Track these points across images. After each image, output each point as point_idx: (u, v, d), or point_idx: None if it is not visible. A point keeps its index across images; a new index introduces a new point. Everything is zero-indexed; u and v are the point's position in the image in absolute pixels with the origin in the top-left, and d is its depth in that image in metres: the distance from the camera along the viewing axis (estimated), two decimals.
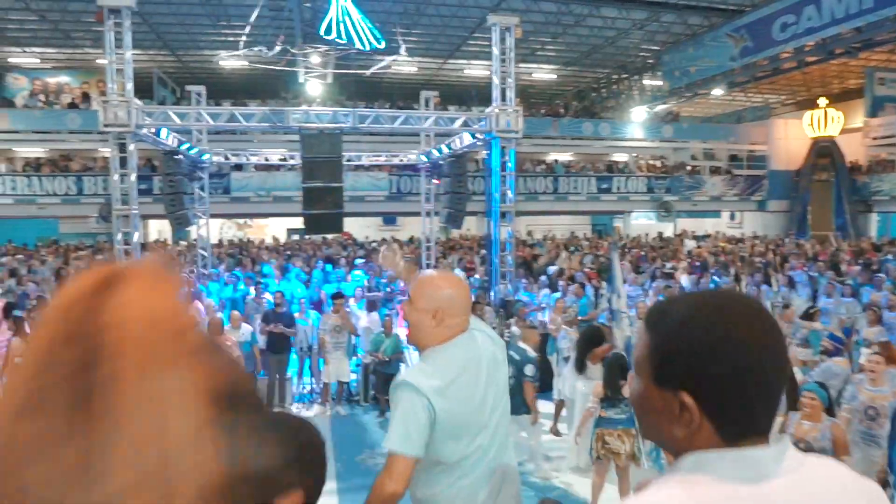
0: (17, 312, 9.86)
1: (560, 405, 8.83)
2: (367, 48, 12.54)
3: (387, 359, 9.42)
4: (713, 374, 1.03)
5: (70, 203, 23.15)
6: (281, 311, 9.80)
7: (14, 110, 24.43)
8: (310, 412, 9.63)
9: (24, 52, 25.18)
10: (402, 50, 15.69)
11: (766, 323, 1.06)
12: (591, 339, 7.15)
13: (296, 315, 10.09)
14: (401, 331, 11.80)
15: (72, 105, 24.71)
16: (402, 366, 10.05)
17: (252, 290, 11.83)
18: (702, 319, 1.06)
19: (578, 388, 7.07)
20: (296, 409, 9.78)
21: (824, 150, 27.55)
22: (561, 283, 12.57)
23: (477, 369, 2.30)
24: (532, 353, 7.31)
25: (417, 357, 8.41)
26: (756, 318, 1.06)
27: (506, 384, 2.44)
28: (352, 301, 11.51)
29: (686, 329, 1.06)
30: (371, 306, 10.80)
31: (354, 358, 10.26)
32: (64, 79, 26.61)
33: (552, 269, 15.26)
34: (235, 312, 9.51)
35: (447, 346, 2.29)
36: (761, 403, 1.05)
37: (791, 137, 29.19)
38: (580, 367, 7.11)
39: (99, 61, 10.89)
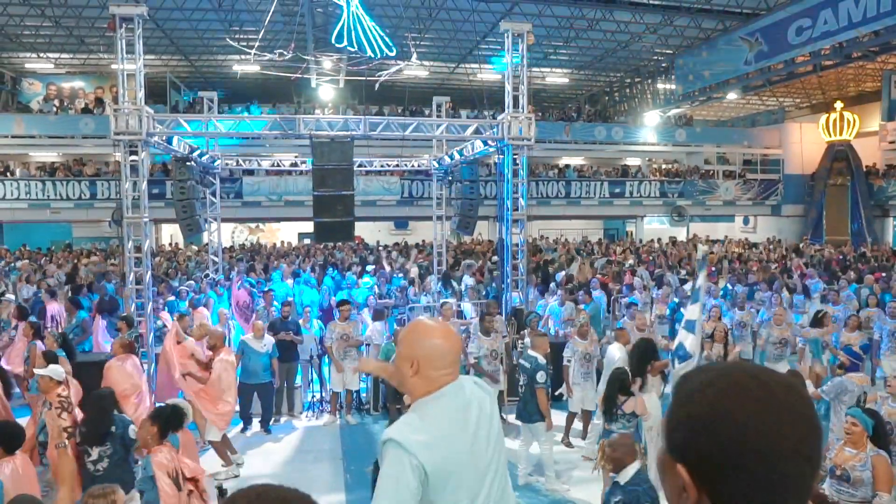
0: (32, 318, 9.93)
1: (571, 418, 8.75)
2: (378, 55, 12.48)
3: None
4: (706, 449, 0.97)
5: (83, 207, 23.29)
6: (288, 320, 9.76)
7: (29, 115, 24.64)
8: (319, 421, 9.58)
9: (39, 57, 25.40)
10: (414, 57, 15.65)
11: (786, 406, 0.97)
12: (646, 353, 7.05)
13: (300, 322, 10.05)
14: None
15: (85, 110, 24.89)
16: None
17: (262, 298, 11.82)
18: (711, 392, 1.00)
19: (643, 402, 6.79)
20: (305, 417, 9.75)
21: (840, 154, 27.25)
22: (560, 292, 12.43)
23: (465, 421, 2.16)
24: (543, 361, 7.23)
25: None
26: (772, 400, 0.97)
27: (499, 434, 2.25)
28: (365, 311, 11.45)
29: (693, 399, 1.02)
30: (378, 315, 10.74)
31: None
32: (78, 84, 26.82)
33: (560, 275, 15.13)
34: (259, 322, 9.44)
35: (435, 396, 2.15)
36: (765, 491, 0.95)
37: (806, 141, 28.92)
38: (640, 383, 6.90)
39: (113, 66, 10.93)
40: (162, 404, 6.42)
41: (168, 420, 4.82)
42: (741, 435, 0.95)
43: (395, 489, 1.99)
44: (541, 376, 7.12)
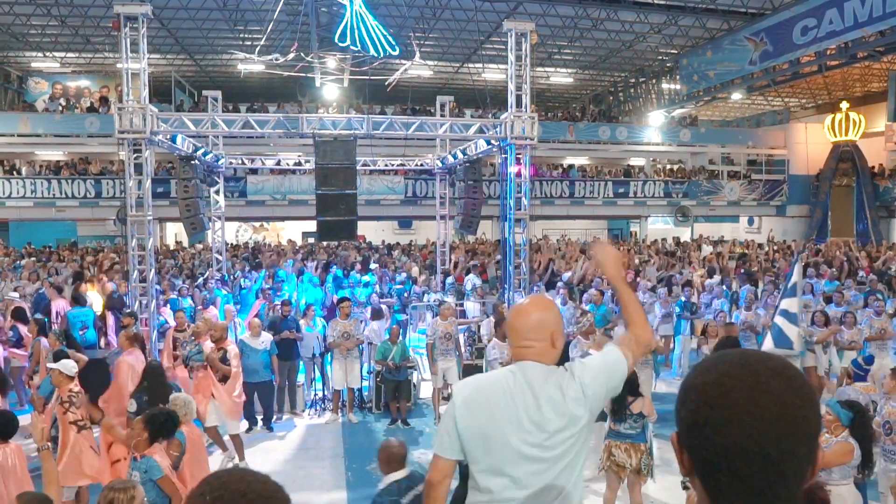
0: (37, 315, 9.98)
1: None
2: (382, 55, 12.49)
3: (396, 366, 9.36)
4: (696, 450, 1.05)
5: (88, 206, 23.39)
6: (287, 318, 9.78)
7: (34, 114, 24.75)
8: (321, 419, 9.60)
9: (45, 56, 25.51)
10: (417, 56, 15.65)
11: (774, 397, 1.00)
12: (732, 348, 7.04)
13: (302, 322, 10.06)
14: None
15: (91, 109, 24.99)
16: (414, 373, 10.00)
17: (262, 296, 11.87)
18: (703, 382, 1.06)
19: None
20: (307, 415, 9.77)
21: (845, 155, 27.17)
22: (563, 291, 12.41)
23: (512, 399, 2.35)
24: None
25: (427, 364, 8.29)
26: (762, 392, 1.00)
27: (560, 433, 2.32)
28: (368, 310, 11.45)
29: (686, 387, 1.09)
30: (376, 314, 10.75)
31: (366, 364, 10.22)
32: (83, 83, 26.93)
33: (566, 275, 15.10)
34: (255, 320, 9.48)
35: (511, 367, 2.46)
36: (752, 481, 1.00)
37: (811, 141, 28.85)
38: None
39: (118, 65, 11.00)
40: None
41: (161, 427, 4.77)
42: (723, 427, 1.00)
43: (441, 423, 2.47)
44: None
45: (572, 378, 2.39)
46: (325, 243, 21.03)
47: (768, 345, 7.19)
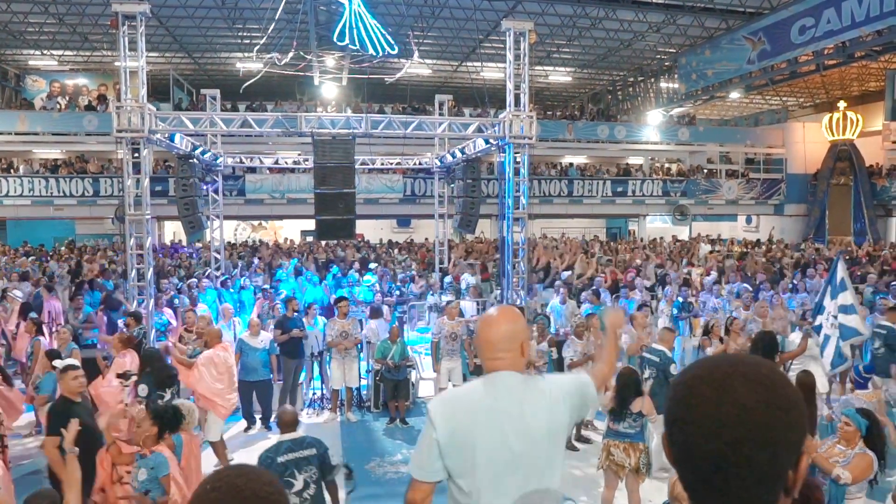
0: (32, 314, 9.99)
1: None
2: (380, 53, 12.49)
3: (395, 365, 9.37)
4: (668, 434, 1.09)
5: (86, 204, 23.36)
6: (293, 317, 9.78)
7: (32, 112, 24.71)
8: (320, 418, 9.61)
9: (43, 54, 25.46)
10: (416, 55, 15.65)
11: (735, 401, 1.02)
12: (772, 346, 7.10)
13: (304, 320, 10.07)
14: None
15: (89, 107, 24.95)
16: (413, 372, 10.01)
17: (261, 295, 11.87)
18: (678, 381, 1.12)
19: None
20: (306, 414, 9.77)
21: (843, 154, 27.21)
22: (563, 291, 12.42)
23: (493, 408, 2.36)
24: (670, 354, 7.59)
25: (425, 362, 8.33)
26: (725, 395, 1.03)
27: (540, 439, 2.36)
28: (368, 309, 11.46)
29: (671, 385, 1.15)
30: (375, 313, 10.75)
31: (364, 363, 10.23)
32: (81, 81, 26.87)
33: (566, 274, 15.11)
34: (255, 319, 9.50)
35: (483, 378, 2.48)
36: (705, 479, 1.04)
37: (809, 140, 28.87)
38: None
39: (117, 63, 10.99)
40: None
41: (168, 422, 4.81)
42: (691, 431, 1.04)
43: (418, 447, 2.42)
44: (674, 368, 7.34)
45: (549, 385, 2.46)
46: (324, 242, 21.05)
47: (833, 343, 7.75)
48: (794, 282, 14.13)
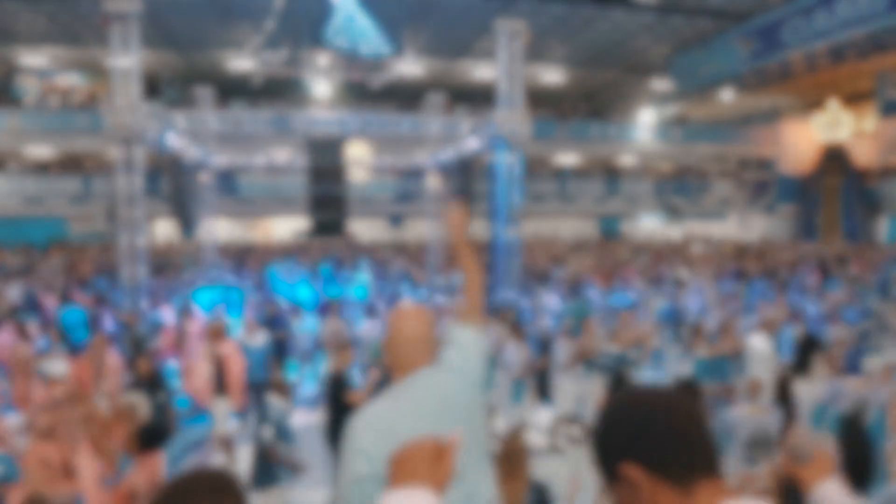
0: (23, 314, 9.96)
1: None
2: (373, 53, 12.50)
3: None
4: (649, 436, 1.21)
5: (78, 203, 23.24)
6: (276, 317, 9.79)
7: (24, 110, 24.57)
8: (312, 417, 9.59)
9: (34, 52, 25.31)
10: (408, 55, 15.68)
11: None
12: (811, 346, 7.13)
13: (294, 320, 10.06)
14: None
15: (81, 106, 24.84)
16: None
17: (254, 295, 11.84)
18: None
19: (800, 391, 6.69)
20: (299, 413, 9.75)
21: (834, 154, 27.36)
22: (563, 289, 12.44)
23: (421, 407, 2.15)
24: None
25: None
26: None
27: (470, 423, 2.17)
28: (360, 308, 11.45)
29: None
30: (368, 313, 10.76)
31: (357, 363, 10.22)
32: (73, 79, 26.74)
33: (557, 272, 15.15)
34: (251, 319, 9.49)
35: (404, 382, 2.21)
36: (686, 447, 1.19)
37: (800, 141, 29.02)
38: (803, 368, 7.09)
39: (110, 61, 11.00)
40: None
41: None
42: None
43: (343, 473, 2.00)
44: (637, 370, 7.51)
45: (455, 370, 2.29)
46: (317, 241, 21.02)
47: None
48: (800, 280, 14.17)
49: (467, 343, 2.36)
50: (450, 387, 2.24)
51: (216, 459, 7.85)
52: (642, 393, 1.30)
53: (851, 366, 7.70)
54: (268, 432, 5.14)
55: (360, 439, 2.01)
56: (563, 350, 8.73)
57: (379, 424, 2.05)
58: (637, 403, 1.24)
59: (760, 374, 6.66)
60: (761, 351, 7.58)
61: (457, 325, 2.42)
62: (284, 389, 5.36)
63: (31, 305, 11.28)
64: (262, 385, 9.00)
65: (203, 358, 7.86)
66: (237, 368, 7.97)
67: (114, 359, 7.50)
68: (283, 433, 5.12)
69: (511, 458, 3.43)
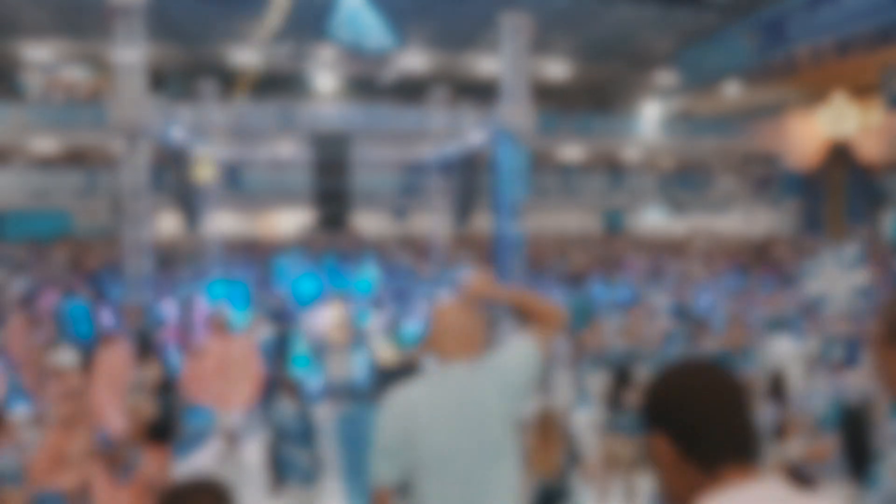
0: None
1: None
2: (378, 47, 12.49)
3: (396, 358, 9.39)
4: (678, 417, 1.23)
5: (83, 197, 23.28)
6: (282, 310, 9.82)
7: (28, 104, 24.59)
8: (318, 411, 9.62)
9: (39, 46, 25.31)
10: (412, 49, 15.66)
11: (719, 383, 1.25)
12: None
13: (300, 313, 10.09)
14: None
15: (85, 99, 24.85)
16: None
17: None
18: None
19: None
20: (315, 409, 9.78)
21: (839, 148, 27.24)
22: (568, 283, 12.43)
23: (446, 400, 2.30)
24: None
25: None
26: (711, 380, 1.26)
27: (490, 430, 2.28)
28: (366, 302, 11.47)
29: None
30: (376, 306, 10.78)
31: (364, 356, 10.24)
32: (78, 73, 26.74)
33: (560, 267, 15.14)
34: (255, 313, 9.53)
35: (439, 371, 2.43)
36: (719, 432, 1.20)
37: (805, 135, 28.88)
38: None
39: (113, 55, 11.00)
40: None
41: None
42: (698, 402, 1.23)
43: (375, 441, 2.29)
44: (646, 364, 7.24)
45: (493, 371, 2.36)
46: (322, 235, 21.03)
47: None
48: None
49: (519, 350, 2.45)
50: (482, 387, 2.33)
51: (220, 452, 7.90)
52: (698, 368, 1.29)
53: (852, 358, 7.72)
54: (275, 438, 5.14)
55: (383, 416, 2.28)
56: (562, 345, 8.70)
57: (402, 407, 2.29)
58: (687, 376, 1.25)
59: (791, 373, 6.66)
60: (787, 352, 7.57)
61: (524, 334, 2.50)
62: (293, 389, 5.36)
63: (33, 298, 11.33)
64: (268, 379, 9.04)
65: (206, 351, 7.90)
66: (254, 368, 7.97)
67: (122, 353, 7.53)
68: (299, 436, 5.10)
69: (545, 426, 3.91)
